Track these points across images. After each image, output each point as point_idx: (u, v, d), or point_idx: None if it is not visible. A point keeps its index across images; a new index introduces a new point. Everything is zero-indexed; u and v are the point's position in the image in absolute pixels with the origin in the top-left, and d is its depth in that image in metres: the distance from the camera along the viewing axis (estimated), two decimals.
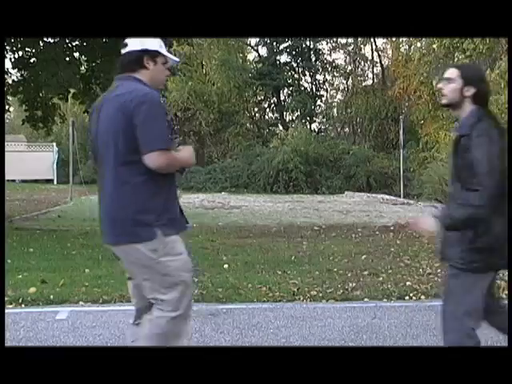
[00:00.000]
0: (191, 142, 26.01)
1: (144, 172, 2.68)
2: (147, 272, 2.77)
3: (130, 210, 2.70)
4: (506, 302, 3.11)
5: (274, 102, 32.77)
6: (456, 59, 10.78)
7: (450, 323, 2.89)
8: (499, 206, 2.71)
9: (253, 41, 31.85)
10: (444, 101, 2.94)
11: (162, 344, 2.78)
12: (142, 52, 2.83)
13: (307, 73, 32.47)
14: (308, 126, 31.17)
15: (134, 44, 2.85)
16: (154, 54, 2.86)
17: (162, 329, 2.80)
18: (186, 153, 2.88)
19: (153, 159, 2.65)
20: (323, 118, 33.30)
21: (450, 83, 2.88)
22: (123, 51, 2.88)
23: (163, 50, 2.91)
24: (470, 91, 2.84)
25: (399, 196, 20.40)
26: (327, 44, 32.13)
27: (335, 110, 33.55)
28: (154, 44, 2.87)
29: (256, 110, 34.08)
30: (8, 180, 21.63)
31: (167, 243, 2.75)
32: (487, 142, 2.68)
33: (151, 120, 2.67)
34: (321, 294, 5.40)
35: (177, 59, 3.09)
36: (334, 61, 32.98)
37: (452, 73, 2.90)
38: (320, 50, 32.04)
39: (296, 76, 32.52)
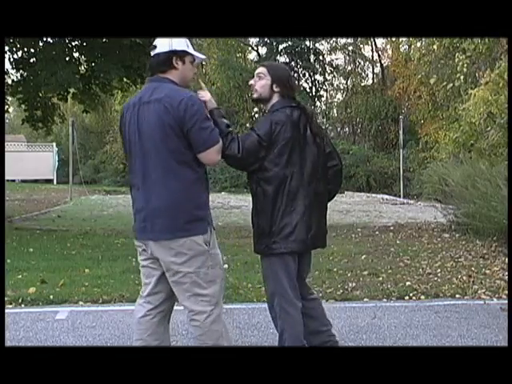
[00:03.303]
0: None
1: (197, 169, 2.85)
2: (195, 264, 2.82)
3: (188, 205, 2.81)
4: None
5: None
6: (456, 59, 10.74)
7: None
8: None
9: (253, 41, 31.91)
10: (255, 95, 3.20)
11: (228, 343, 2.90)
12: (171, 53, 2.89)
13: (307, 73, 32.47)
14: None
15: (162, 46, 2.90)
16: (182, 54, 2.91)
17: (219, 330, 2.90)
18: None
19: (210, 157, 2.83)
20: (323, 118, 33.32)
21: (261, 80, 3.16)
22: (152, 53, 2.94)
23: (190, 49, 2.96)
24: (278, 88, 3.14)
25: (399, 196, 20.42)
26: (327, 44, 32.16)
27: (335, 110, 33.59)
28: (182, 44, 2.92)
29: (256, 110, 34.07)
30: (8, 180, 21.66)
31: (212, 236, 2.92)
32: (263, 122, 3.07)
33: (203, 120, 2.81)
34: (320, 294, 5.39)
35: (203, 56, 3.13)
36: (333, 61, 33.03)
37: (262, 71, 3.18)
38: (319, 50, 32.06)
39: (295, 76, 32.52)
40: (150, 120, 2.80)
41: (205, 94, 3.06)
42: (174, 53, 2.89)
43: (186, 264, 2.81)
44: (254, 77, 3.23)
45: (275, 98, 3.17)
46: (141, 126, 2.82)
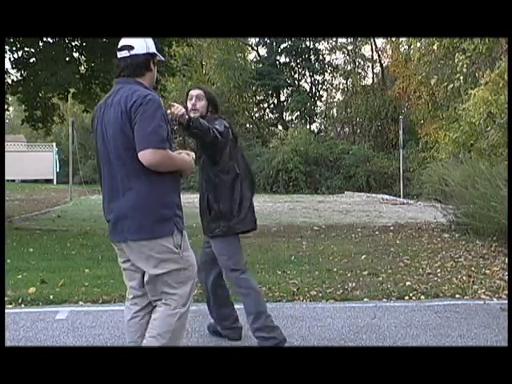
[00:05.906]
0: (190, 142, 25.97)
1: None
2: (167, 266, 2.82)
3: (153, 204, 2.78)
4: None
5: (273, 102, 32.80)
6: (456, 59, 10.74)
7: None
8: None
9: (253, 41, 31.92)
10: (197, 114, 3.70)
11: (173, 340, 2.85)
12: (149, 55, 2.87)
13: (307, 73, 32.48)
14: (308, 126, 31.21)
15: (140, 47, 2.85)
16: (155, 56, 2.92)
17: (172, 325, 2.86)
18: (184, 156, 2.93)
19: (145, 157, 2.69)
20: (323, 118, 33.33)
21: (201, 101, 3.77)
22: (127, 53, 2.85)
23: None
24: (211, 108, 3.81)
25: (399, 196, 20.42)
26: (328, 43, 32.16)
27: (335, 110, 33.59)
28: (154, 46, 2.91)
29: (256, 109, 34.10)
30: (8, 180, 21.66)
31: (185, 238, 2.89)
32: (218, 123, 3.65)
33: (147, 119, 2.70)
34: (320, 294, 5.40)
35: (162, 57, 3.05)
36: (333, 61, 33.03)
37: (201, 93, 3.80)
38: (319, 50, 32.06)
39: (296, 76, 32.53)
40: (111, 123, 2.79)
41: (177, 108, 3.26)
42: (151, 55, 2.88)
43: (158, 267, 2.83)
44: (193, 97, 3.75)
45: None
46: (105, 129, 2.82)
